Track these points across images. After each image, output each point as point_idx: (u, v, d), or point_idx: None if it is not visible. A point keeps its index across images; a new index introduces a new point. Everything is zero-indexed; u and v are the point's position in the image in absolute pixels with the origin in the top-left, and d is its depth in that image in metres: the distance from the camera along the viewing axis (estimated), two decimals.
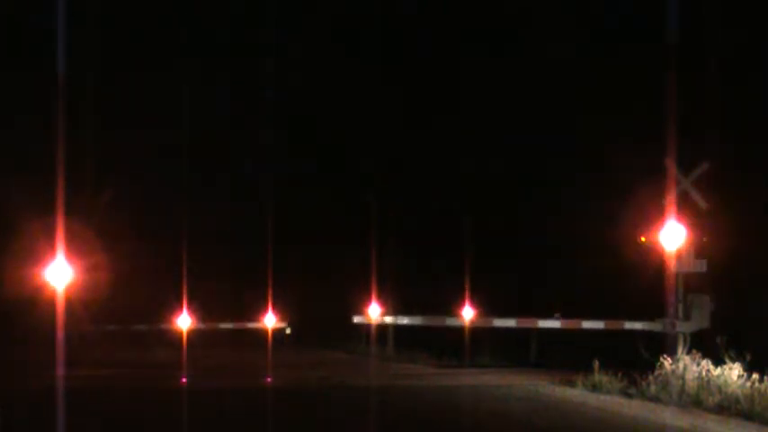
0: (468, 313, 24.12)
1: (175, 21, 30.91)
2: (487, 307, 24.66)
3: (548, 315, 23.60)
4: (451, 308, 24.75)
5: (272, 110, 33.40)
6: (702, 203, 19.14)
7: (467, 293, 25.99)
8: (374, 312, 24.67)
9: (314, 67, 32.87)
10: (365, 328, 28.15)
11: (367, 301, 25.43)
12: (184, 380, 21.50)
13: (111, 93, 30.37)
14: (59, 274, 18.79)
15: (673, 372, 17.41)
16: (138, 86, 31.38)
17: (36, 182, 21.80)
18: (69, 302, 19.21)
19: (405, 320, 24.09)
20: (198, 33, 31.55)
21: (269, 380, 21.68)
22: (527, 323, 23.51)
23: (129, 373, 22.88)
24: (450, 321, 23.76)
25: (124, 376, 22.10)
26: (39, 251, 20.44)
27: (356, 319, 24.34)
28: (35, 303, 21.43)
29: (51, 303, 18.79)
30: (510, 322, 23.26)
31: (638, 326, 21.17)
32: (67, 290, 18.89)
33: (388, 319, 26.03)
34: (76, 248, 20.62)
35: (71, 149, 19.89)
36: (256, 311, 31.94)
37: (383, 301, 27.11)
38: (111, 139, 29.29)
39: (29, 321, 22.34)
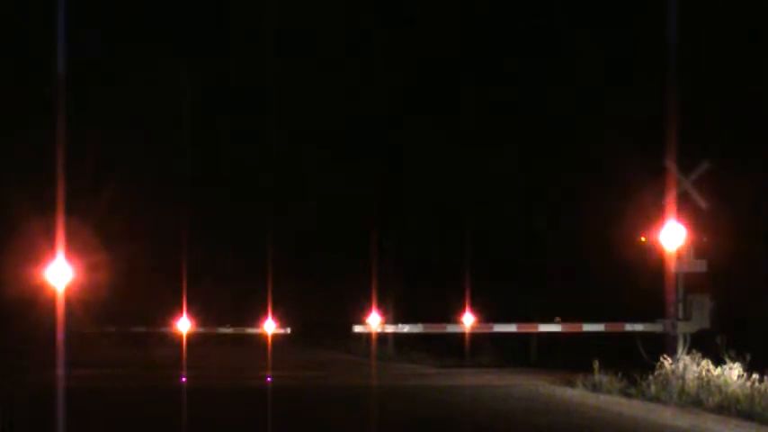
0: (468, 320, 24.14)
1: (173, 19, 30.91)
2: (488, 312, 24.66)
3: (549, 319, 23.57)
4: (452, 314, 24.73)
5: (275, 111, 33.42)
6: (702, 203, 19.14)
7: (467, 300, 25.96)
8: (374, 322, 24.68)
9: (314, 67, 32.88)
10: (366, 336, 28.16)
11: (367, 310, 25.42)
12: (184, 380, 21.53)
13: (111, 92, 30.39)
14: (59, 273, 18.79)
15: (673, 372, 17.41)
16: (138, 85, 31.36)
17: (36, 181, 21.82)
18: (69, 302, 19.23)
19: (405, 329, 24.11)
20: (196, 32, 31.54)
21: (269, 380, 21.69)
22: (527, 328, 23.52)
23: (127, 372, 22.90)
24: (450, 328, 23.76)
25: (123, 376, 22.11)
26: (39, 251, 20.44)
27: (357, 329, 24.32)
28: (35, 303, 21.45)
29: (51, 303, 18.80)
30: (510, 327, 23.26)
31: (638, 327, 21.15)
32: (67, 290, 18.91)
33: (390, 329, 26.06)
34: (77, 248, 20.64)
35: (71, 149, 19.91)
36: (256, 317, 31.92)
37: (383, 309, 27.11)
38: (112, 139, 29.31)
39: (28, 321, 22.35)
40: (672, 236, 18.64)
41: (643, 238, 19.88)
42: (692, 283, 19.61)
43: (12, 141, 24.63)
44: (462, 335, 25.33)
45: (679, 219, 18.94)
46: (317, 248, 36.90)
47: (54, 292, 18.74)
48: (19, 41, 25.77)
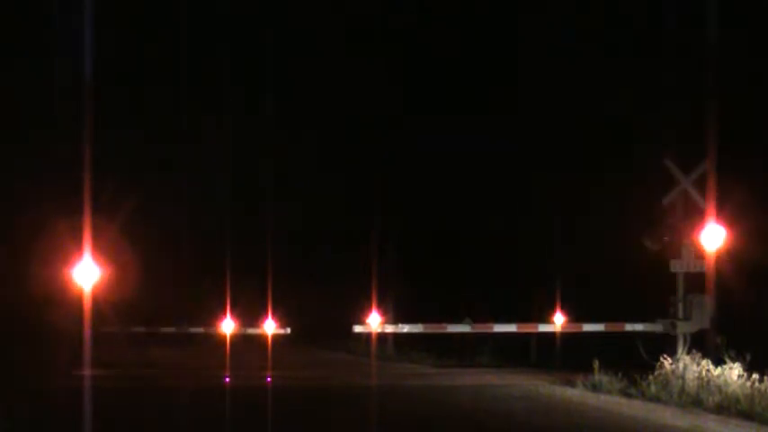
0: (469, 320, 24.15)
1: (175, 15, 30.92)
2: (487, 312, 24.67)
3: (548, 319, 23.59)
4: (452, 314, 24.75)
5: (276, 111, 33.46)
6: (702, 203, 19.14)
7: (467, 300, 26.00)
8: (374, 321, 24.70)
9: (315, 67, 32.87)
10: (366, 336, 28.17)
11: (367, 310, 25.46)
12: (184, 380, 21.54)
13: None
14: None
15: (673, 372, 17.41)
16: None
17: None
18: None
19: (405, 329, 24.14)
20: (195, 31, 31.55)
21: (269, 380, 21.69)
22: (527, 328, 23.53)
23: (127, 373, 22.92)
24: (451, 328, 23.81)
25: (123, 376, 22.12)
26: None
27: (357, 329, 24.34)
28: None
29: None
30: (510, 327, 23.28)
31: (638, 327, 21.17)
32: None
33: (389, 328, 26.08)
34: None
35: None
36: (256, 317, 31.90)
37: (383, 309, 27.11)
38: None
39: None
40: (673, 236, 18.62)
41: (646, 241, 19.89)
42: (692, 283, 19.61)
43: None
44: (462, 335, 25.33)
45: (680, 219, 18.97)
46: (317, 249, 36.89)
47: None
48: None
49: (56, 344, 22.29)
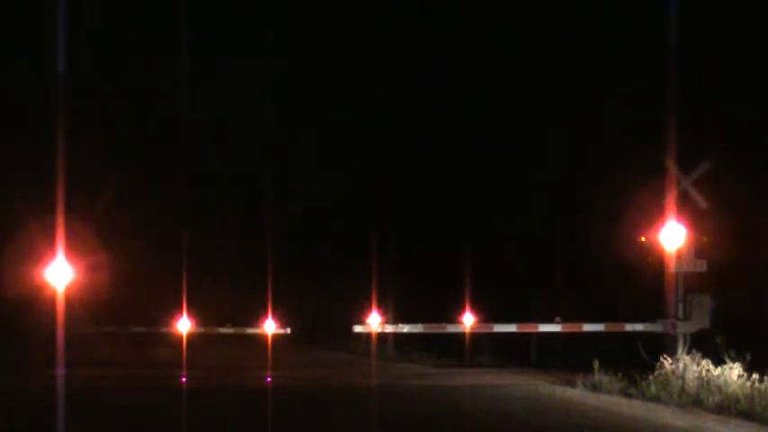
0: (468, 320, 24.17)
1: (175, 16, 30.88)
2: (488, 312, 24.68)
3: (548, 319, 23.56)
4: (452, 314, 24.75)
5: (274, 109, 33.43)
6: (702, 203, 19.14)
7: (467, 300, 25.97)
8: (374, 322, 24.72)
9: (315, 66, 32.87)
10: (366, 336, 28.19)
11: (367, 310, 25.47)
12: (184, 379, 21.54)
13: (112, 91, 30.40)
14: (59, 273, 18.85)
15: (673, 372, 17.41)
16: (139, 84, 31.37)
17: (37, 181, 21.83)
18: (69, 302, 19.27)
19: (405, 329, 24.16)
20: (195, 31, 31.52)
21: (269, 380, 21.68)
22: (527, 328, 23.53)
23: (127, 373, 22.89)
24: (451, 328, 23.84)
25: (123, 376, 22.10)
26: (39, 251, 20.47)
27: (357, 329, 24.35)
28: (35, 303, 21.45)
29: (51, 303, 18.85)
30: (510, 327, 23.28)
31: (638, 327, 21.16)
32: (67, 290, 18.95)
33: (389, 328, 26.09)
34: (77, 248, 20.65)
35: (72, 148, 19.94)
36: (256, 317, 31.92)
37: (383, 309, 27.11)
38: (114, 139, 29.36)
39: (28, 321, 22.35)
40: (672, 236, 18.66)
41: (643, 238, 19.89)
42: (691, 283, 19.61)
43: (12, 141, 24.65)
44: (462, 335, 25.33)
45: (679, 219, 18.95)
46: (317, 249, 36.92)
47: (54, 292, 18.78)
48: (18, 40, 25.82)
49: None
